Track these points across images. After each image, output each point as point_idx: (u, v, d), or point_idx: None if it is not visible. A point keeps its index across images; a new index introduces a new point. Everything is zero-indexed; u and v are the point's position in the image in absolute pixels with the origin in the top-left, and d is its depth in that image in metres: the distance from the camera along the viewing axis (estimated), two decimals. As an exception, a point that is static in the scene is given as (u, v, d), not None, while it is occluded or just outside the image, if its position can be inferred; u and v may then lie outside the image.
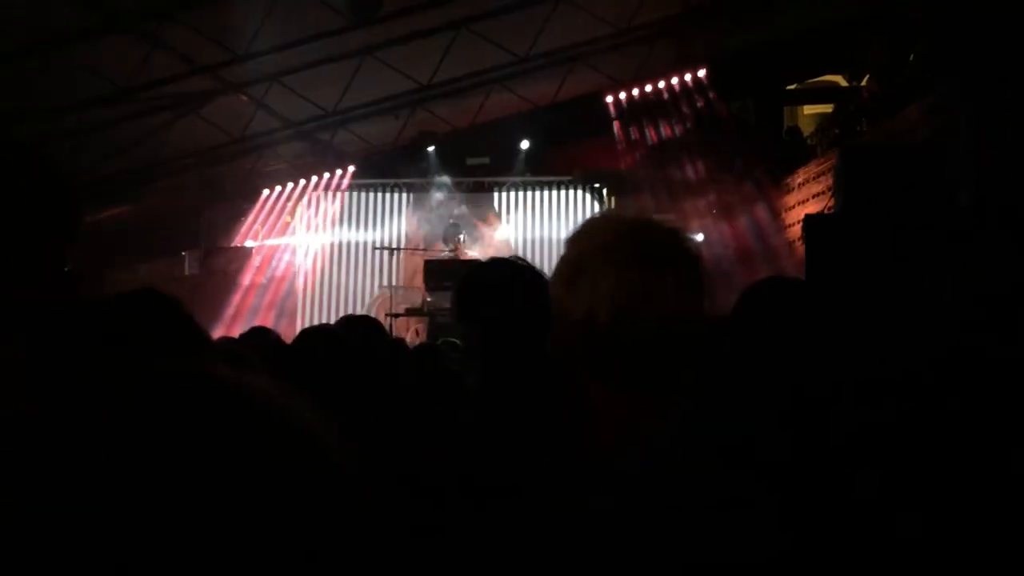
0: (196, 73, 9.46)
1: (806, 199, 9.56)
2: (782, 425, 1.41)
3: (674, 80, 11.57)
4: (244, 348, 2.60)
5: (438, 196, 12.64)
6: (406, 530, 1.12)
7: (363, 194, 13.04)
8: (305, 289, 12.91)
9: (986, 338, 1.55)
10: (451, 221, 12.30)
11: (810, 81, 12.30)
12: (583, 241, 1.30)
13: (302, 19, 8.95)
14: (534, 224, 12.77)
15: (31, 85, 8.44)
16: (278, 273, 12.80)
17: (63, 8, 7.73)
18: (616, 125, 11.89)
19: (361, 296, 12.78)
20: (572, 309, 1.24)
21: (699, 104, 11.46)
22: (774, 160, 10.67)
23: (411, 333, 10.23)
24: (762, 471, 1.21)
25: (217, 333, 7.64)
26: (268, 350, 2.73)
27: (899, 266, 4.39)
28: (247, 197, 12.88)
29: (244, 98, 10.48)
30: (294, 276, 12.90)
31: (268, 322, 10.67)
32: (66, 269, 1.14)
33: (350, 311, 12.23)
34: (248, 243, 12.89)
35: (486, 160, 12.87)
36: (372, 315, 6.51)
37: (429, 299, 10.09)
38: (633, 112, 11.81)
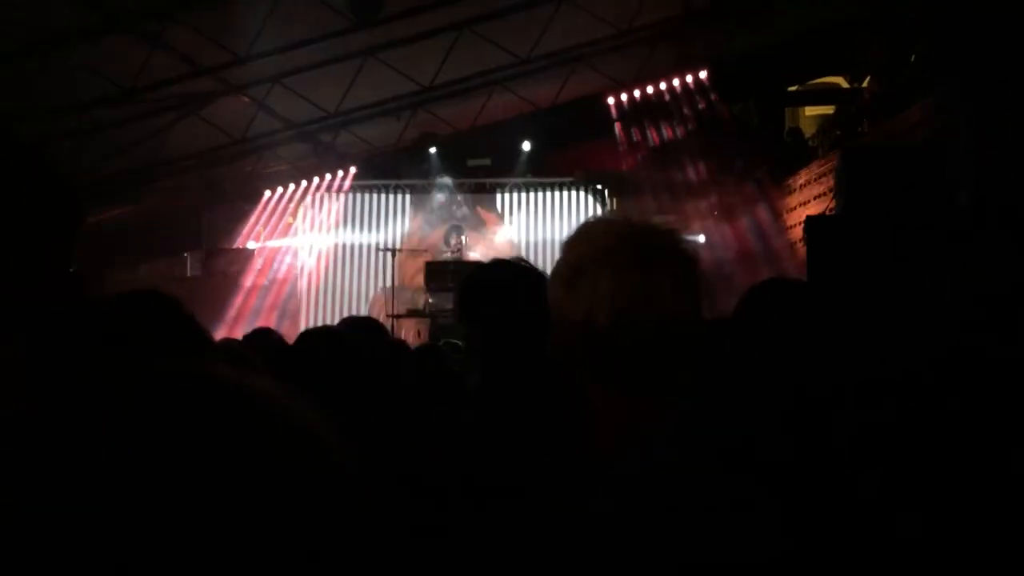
0: (198, 74, 9.47)
1: (808, 200, 9.56)
2: (783, 426, 1.41)
3: (675, 81, 11.57)
4: (247, 349, 2.60)
5: (439, 197, 12.66)
6: (407, 530, 1.12)
7: (365, 195, 13.05)
8: (307, 290, 12.91)
9: (986, 338, 1.55)
10: (452, 223, 12.32)
11: (811, 82, 12.30)
12: (582, 244, 1.30)
13: (304, 20, 8.95)
14: (535, 225, 12.77)
15: (32, 85, 8.43)
16: (280, 275, 12.81)
17: (64, 8, 7.73)
18: (617, 126, 11.89)
19: (363, 297, 12.79)
20: (572, 311, 1.24)
21: (701, 105, 11.47)
22: (776, 161, 10.67)
23: (413, 334, 10.23)
24: (763, 472, 1.21)
25: (219, 335, 7.64)
26: (271, 351, 2.73)
27: (902, 267, 4.39)
28: (248, 198, 12.88)
29: (246, 99, 10.48)
30: (296, 278, 12.91)
31: (270, 324, 10.66)
32: (71, 270, 1.14)
33: (352, 312, 12.23)
34: (250, 244, 12.90)
35: (487, 161, 12.88)
36: (373, 316, 6.53)
37: (431, 300, 10.10)
38: (634, 113, 11.82)
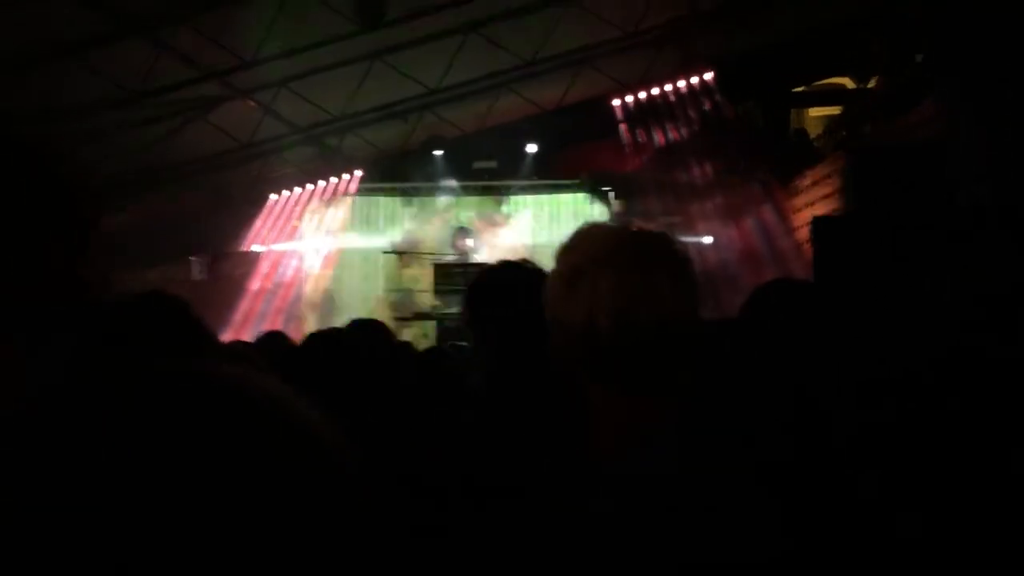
0: (204, 79, 9.48)
1: (814, 201, 9.54)
2: (783, 426, 1.41)
3: (681, 83, 11.56)
4: (256, 351, 2.62)
5: (446, 200, 12.65)
6: (408, 530, 1.12)
7: (371, 199, 13.05)
8: (313, 294, 12.91)
9: (986, 338, 1.55)
10: (459, 225, 12.32)
11: (816, 83, 12.28)
12: (582, 246, 1.30)
13: (310, 24, 8.96)
14: (542, 227, 12.76)
15: (39, 89, 8.46)
16: (286, 278, 12.81)
17: (71, 13, 7.75)
18: (623, 128, 11.88)
19: (368, 300, 12.78)
20: (572, 312, 1.25)
21: (706, 107, 11.45)
22: (780, 162, 10.65)
23: (419, 338, 10.24)
24: (763, 472, 1.21)
25: (225, 339, 7.64)
26: (278, 353, 2.74)
27: (908, 267, 4.37)
28: (254, 202, 12.88)
29: (252, 103, 10.49)
30: (302, 281, 12.91)
31: (276, 327, 10.67)
32: (79, 273, 1.14)
33: (358, 315, 12.21)
34: (256, 248, 12.90)
35: (493, 164, 12.86)
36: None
37: (437, 303, 10.10)
38: (640, 115, 11.80)
